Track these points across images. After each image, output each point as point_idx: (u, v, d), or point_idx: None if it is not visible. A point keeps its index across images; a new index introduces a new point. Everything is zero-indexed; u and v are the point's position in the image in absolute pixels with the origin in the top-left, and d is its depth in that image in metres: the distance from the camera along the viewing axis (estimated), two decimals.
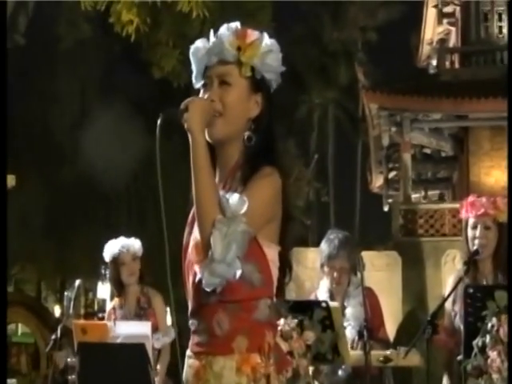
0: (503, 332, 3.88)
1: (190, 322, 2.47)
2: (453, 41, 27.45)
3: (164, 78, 10.95)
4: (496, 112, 22.31)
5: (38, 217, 19.53)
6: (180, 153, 20.77)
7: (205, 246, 2.30)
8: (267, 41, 2.49)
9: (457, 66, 24.81)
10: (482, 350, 3.91)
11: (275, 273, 2.44)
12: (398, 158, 25.42)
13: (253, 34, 2.48)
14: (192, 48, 2.54)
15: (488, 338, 3.90)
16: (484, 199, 4.34)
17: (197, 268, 2.35)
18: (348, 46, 36.32)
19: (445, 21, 26.93)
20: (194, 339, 2.46)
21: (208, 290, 2.32)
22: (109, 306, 5.77)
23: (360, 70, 23.34)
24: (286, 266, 2.49)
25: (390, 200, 26.62)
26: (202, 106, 2.40)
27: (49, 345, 5.21)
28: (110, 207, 20.13)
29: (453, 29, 27.09)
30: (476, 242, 4.30)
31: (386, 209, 27.48)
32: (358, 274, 4.81)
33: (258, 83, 2.48)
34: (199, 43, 2.52)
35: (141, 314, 5.48)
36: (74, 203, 19.66)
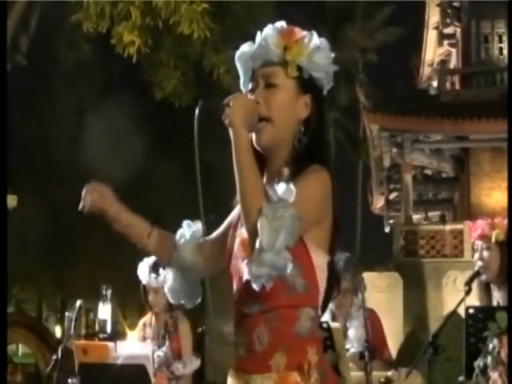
0: (504, 353, 3.88)
1: (234, 333, 2.34)
2: (453, 62, 27.56)
3: (165, 98, 10.98)
4: (496, 133, 22.37)
5: (37, 237, 19.53)
6: (179, 174, 20.83)
7: (251, 239, 2.16)
8: (315, 39, 2.38)
9: (457, 87, 24.89)
10: (484, 370, 3.91)
11: (322, 282, 2.29)
12: (399, 179, 25.45)
13: (299, 33, 2.37)
14: (237, 53, 2.42)
15: (489, 358, 3.89)
16: (483, 222, 4.36)
17: (243, 265, 2.20)
18: (348, 67, 36.44)
19: (445, 42, 27.07)
20: (236, 353, 2.33)
21: (257, 286, 2.14)
22: (141, 320, 5.79)
23: (361, 91, 23.43)
24: (334, 277, 2.33)
25: (391, 221, 26.64)
26: (245, 102, 2.28)
27: (49, 365, 5.19)
28: (109, 227, 20.13)
29: (453, 50, 27.22)
30: (479, 263, 4.32)
31: (387, 230, 27.49)
32: (359, 295, 4.81)
33: (306, 83, 2.35)
34: (245, 47, 2.41)
35: (166, 336, 5.50)
36: (74, 223, 19.65)
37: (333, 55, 2.42)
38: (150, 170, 19.62)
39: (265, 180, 2.35)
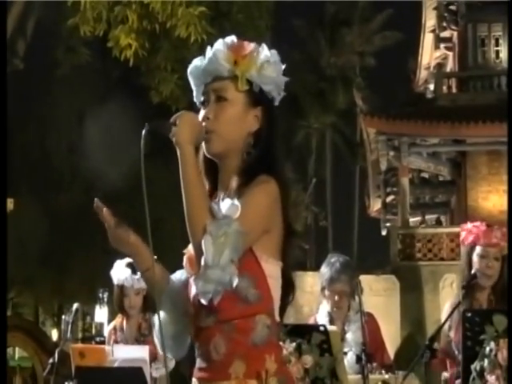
0: (502, 356, 3.88)
1: (195, 346, 2.39)
2: (450, 66, 27.58)
3: (162, 102, 10.98)
4: (493, 137, 22.40)
5: (35, 241, 19.51)
6: (177, 180, 20.83)
7: (198, 256, 2.22)
8: (265, 52, 2.42)
9: (454, 90, 24.92)
10: (481, 374, 3.91)
11: (276, 290, 2.33)
12: (395, 183, 25.47)
13: (248, 47, 2.42)
14: (189, 67, 2.48)
15: (486, 362, 3.90)
16: (497, 230, 4.36)
17: (192, 281, 2.28)
18: (345, 71, 36.48)
19: (442, 45, 27.08)
20: (197, 364, 2.38)
21: (204, 301, 2.23)
22: (110, 325, 5.72)
23: (358, 95, 23.44)
24: (289, 283, 2.38)
25: (387, 224, 26.65)
26: (191, 120, 2.33)
27: (46, 369, 5.19)
28: (107, 232, 20.11)
29: (450, 54, 27.24)
30: (489, 272, 4.32)
31: (384, 233, 27.50)
32: (357, 298, 4.82)
33: (256, 96, 2.40)
34: (196, 62, 2.46)
35: (140, 340, 5.44)
36: (71, 228, 19.64)
37: (283, 67, 2.45)
38: (149, 176, 19.62)
39: (219, 189, 2.42)
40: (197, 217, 2.23)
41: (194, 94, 2.48)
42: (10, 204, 11.09)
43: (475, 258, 4.39)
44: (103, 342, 5.76)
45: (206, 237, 2.19)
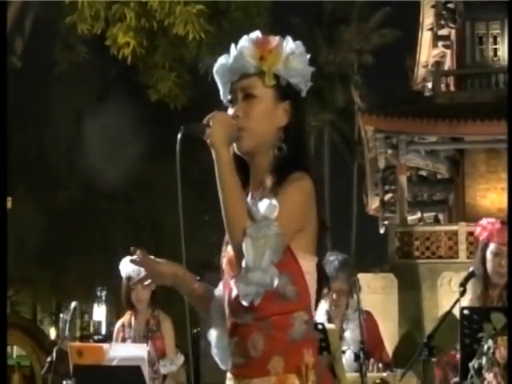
0: (499, 354, 3.88)
1: (229, 342, 2.40)
2: (448, 63, 27.58)
3: (160, 100, 10.97)
4: (491, 135, 22.41)
5: (33, 240, 19.50)
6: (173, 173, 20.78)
7: (238, 258, 2.22)
8: (290, 44, 2.41)
9: (452, 88, 24.92)
10: (479, 372, 3.91)
11: (312, 284, 2.35)
12: (393, 181, 25.47)
13: (273, 41, 2.40)
14: (215, 66, 2.45)
15: (484, 360, 3.90)
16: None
17: (232, 283, 2.27)
18: (343, 69, 36.48)
19: (440, 43, 27.08)
20: (231, 360, 2.39)
21: (245, 303, 2.23)
22: (119, 322, 5.71)
23: (356, 92, 23.44)
24: (322, 278, 2.39)
25: (386, 222, 26.66)
26: (225, 120, 2.32)
27: (44, 367, 5.18)
28: (105, 231, 20.09)
29: (448, 51, 27.25)
30: (502, 270, 4.32)
31: (382, 231, 27.50)
32: (355, 297, 4.82)
33: (284, 90, 2.39)
34: (222, 60, 2.44)
35: (149, 336, 5.45)
36: (70, 226, 19.63)
37: (308, 56, 2.45)
38: (147, 174, 19.60)
39: (250, 186, 2.41)
40: (236, 219, 2.22)
41: (221, 92, 2.46)
42: (8, 202, 11.09)
43: (489, 255, 4.38)
44: (101, 340, 5.76)
45: (246, 239, 2.18)
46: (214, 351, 2.50)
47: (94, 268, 19.82)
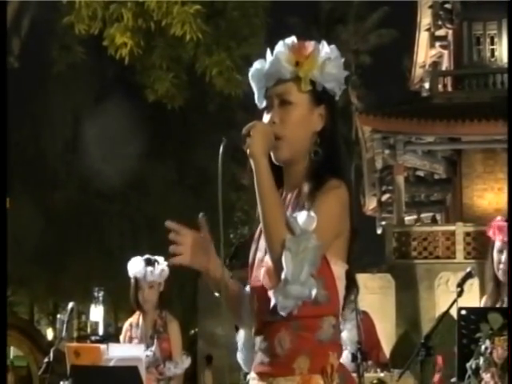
0: (497, 354, 3.88)
1: (255, 340, 2.40)
2: (445, 64, 27.60)
3: (158, 100, 10.97)
4: (489, 135, 22.44)
5: (30, 240, 19.49)
6: (174, 178, 20.79)
7: (276, 269, 2.22)
8: (325, 49, 2.43)
9: (449, 88, 24.94)
10: (476, 372, 3.91)
11: (341, 290, 2.38)
12: (391, 181, 25.48)
13: (309, 46, 2.42)
14: (251, 71, 2.45)
15: (482, 360, 3.90)
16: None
17: (271, 294, 2.26)
18: None
19: (437, 44, 27.10)
20: (257, 358, 2.39)
21: (284, 314, 2.25)
22: (127, 322, 5.71)
23: (353, 93, 23.44)
24: (352, 284, 2.42)
25: (383, 222, 26.65)
26: (264, 130, 2.31)
27: (41, 368, 5.17)
28: (102, 231, 20.09)
29: (445, 52, 27.26)
30: (501, 266, 4.32)
31: (379, 231, 27.51)
32: (352, 297, 4.81)
33: (319, 95, 2.40)
34: (257, 65, 2.44)
35: (155, 337, 5.44)
36: (67, 227, 19.63)
37: (343, 60, 2.45)
38: (144, 174, 19.60)
39: (284, 191, 2.42)
40: (275, 232, 2.23)
41: (256, 96, 2.46)
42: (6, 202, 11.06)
43: (494, 253, 4.38)
44: (98, 341, 5.76)
45: (285, 253, 2.19)
46: (241, 352, 2.51)
47: (92, 268, 19.81)
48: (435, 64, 28.24)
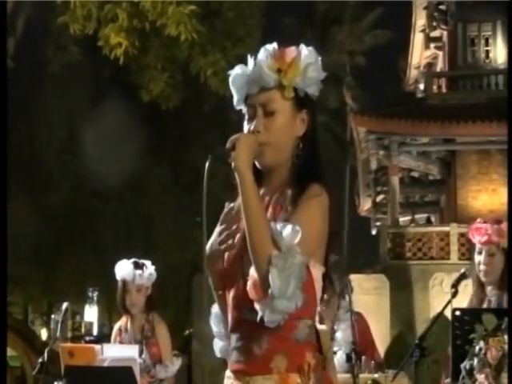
0: (491, 355, 3.89)
1: (231, 338, 2.44)
2: (440, 65, 27.63)
3: (153, 101, 10.97)
4: (483, 136, 22.46)
5: (25, 240, 19.47)
6: (169, 178, 20.78)
7: (263, 283, 2.25)
8: (305, 53, 2.43)
9: (444, 90, 24.96)
10: (470, 373, 3.92)
11: (318, 293, 2.41)
12: (385, 182, 25.50)
13: (291, 52, 2.43)
14: (231, 76, 2.47)
15: (476, 361, 3.90)
16: (488, 226, 4.36)
17: (257, 306, 2.29)
18: (336, 70, 36.50)
19: (432, 45, 27.13)
20: (233, 356, 2.42)
21: (271, 326, 2.28)
22: (116, 325, 5.69)
23: (348, 94, 23.45)
24: (328, 286, 2.53)
25: (377, 223, 26.69)
26: (249, 143, 2.34)
27: (36, 368, 5.17)
28: (97, 231, 20.08)
29: (440, 53, 27.29)
30: (481, 267, 4.34)
31: (373, 232, 27.54)
32: (347, 297, 4.82)
33: (302, 100, 2.44)
34: (238, 70, 2.46)
35: (143, 342, 5.42)
36: (62, 227, 19.61)
37: (320, 59, 2.46)
38: (140, 175, 19.59)
39: (262, 191, 2.44)
40: (262, 248, 2.26)
41: (235, 99, 2.48)
42: None
43: (475, 255, 4.41)
44: (92, 341, 5.75)
45: (272, 269, 2.22)
46: (222, 340, 2.56)
47: (86, 269, 19.79)
48: (430, 65, 28.27)
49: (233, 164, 2.31)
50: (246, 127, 2.43)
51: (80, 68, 17.73)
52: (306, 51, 2.43)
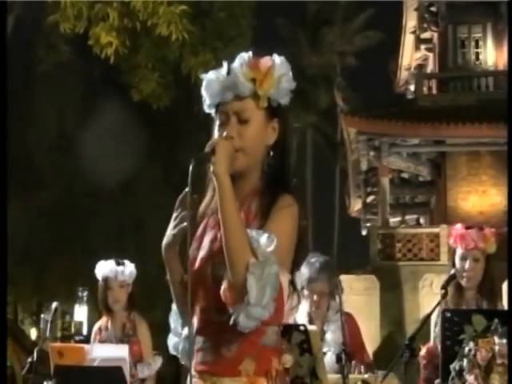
0: (480, 356, 3.90)
1: (196, 339, 2.44)
2: (430, 67, 27.69)
3: (143, 100, 10.95)
4: (473, 138, 22.53)
5: (14, 240, 19.42)
6: (160, 178, 20.77)
7: (239, 289, 2.29)
8: (278, 64, 2.47)
9: (434, 91, 25.03)
10: (460, 373, 3.93)
11: (286, 300, 2.45)
12: (376, 183, 25.54)
13: (266, 62, 2.46)
14: (205, 81, 2.50)
15: (465, 361, 3.92)
16: (474, 232, 4.39)
17: (231, 310, 2.33)
18: (327, 71, 36.53)
19: (422, 47, 27.18)
20: (198, 357, 2.44)
21: (244, 331, 2.32)
22: (96, 325, 5.68)
23: (339, 94, 23.49)
24: (294, 293, 2.51)
25: (368, 224, 26.74)
26: (228, 149, 2.38)
27: (25, 368, 5.15)
28: (87, 231, 20.03)
29: (430, 55, 27.34)
30: (465, 274, 4.36)
31: (364, 233, 27.58)
32: (337, 298, 4.82)
33: (274, 110, 2.48)
34: (212, 75, 2.49)
35: (125, 340, 5.41)
36: (52, 226, 19.55)
37: (290, 67, 2.51)
38: (130, 174, 19.56)
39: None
40: (240, 255, 2.29)
41: (207, 104, 2.52)
42: None
43: (456, 259, 4.43)
44: (82, 341, 5.74)
45: (249, 277, 2.27)
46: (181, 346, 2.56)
47: (76, 268, 19.74)
48: (420, 66, 28.32)
49: (211, 168, 2.35)
50: (217, 132, 2.47)
51: (71, 67, 17.69)
52: (279, 61, 2.47)
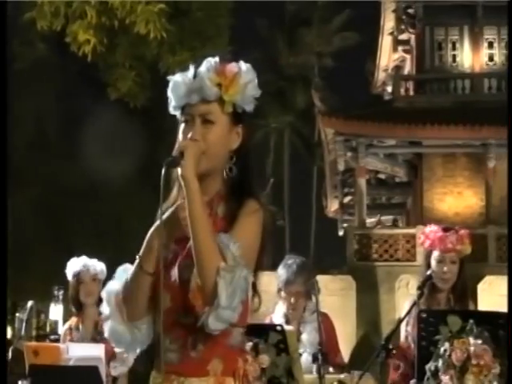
0: (455, 357, 3.92)
1: (161, 339, 2.42)
2: (408, 68, 27.80)
3: (120, 99, 10.91)
4: (449, 139, 22.65)
5: None
6: (138, 177, 20.72)
7: (209, 292, 2.32)
8: (244, 71, 2.50)
9: (411, 93, 25.12)
10: (435, 374, 3.94)
11: (250, 302, 2.50)
12: (353, 183, 25.60)
13: (232, 69, 2.48)
14: (171, 83, 2.53)
15: (440, 362, 3.93)
16: (452, 235, 4.41)
17: (199, 312, 2.36)
18: (304, 71, 36.59)
19: (400, 48, 27.28)
20: (164, 358, 2.43)
21: (213, 333, 2.36)
22: (65, 325, 5.64)
23: (316, 95, 23.52)
24: (256, 295, 2.54)
25: (344, 225, 26.78)
26: (196, 152, 2.41)
27: None
28: (65, 230, 19.93)
29: (408, 56, 27.45)
30: (443, 275, 4.38)
31: (340, 233, 27.64)
32: (313, 298, 4.82)
33: (239, 115, 2.51)
34: (178, 78, 2.52)
35: (97, 338, 5.36)
36: (29, 225, 19.45)
37: (256, 75, 2.54)
38: (108, 173, 19.49)
39: None
40: (209, 259, 2.33)
41: (172, 105, 2.54)
42: None
43: (433, 261, 4.44)
44: (58, 340, 5.70)
45: (220, 281, 2.30)
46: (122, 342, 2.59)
47: (51, 267, 19.62)
48: (398, 68, 28.43)
49: (179, 171, 2.37)
50: (181, 134, 2.50)
51: (48, 64, 17.60)
52: (245, 68, 2.51)
